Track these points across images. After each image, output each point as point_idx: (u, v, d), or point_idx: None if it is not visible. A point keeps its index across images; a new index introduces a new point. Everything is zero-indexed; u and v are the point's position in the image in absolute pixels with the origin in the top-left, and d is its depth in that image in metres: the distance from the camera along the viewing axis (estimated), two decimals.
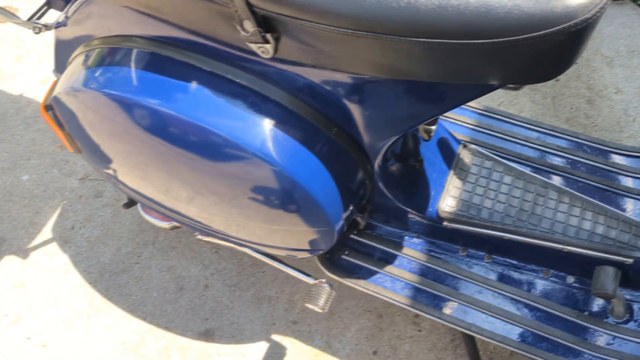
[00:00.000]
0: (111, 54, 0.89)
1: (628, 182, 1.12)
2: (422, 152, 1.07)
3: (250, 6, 0.67)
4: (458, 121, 1.23)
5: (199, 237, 1.23)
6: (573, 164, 1.16)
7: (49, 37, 1.93)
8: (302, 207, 0.87)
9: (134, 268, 1.46)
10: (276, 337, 1.37)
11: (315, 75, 0.79)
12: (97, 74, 0.88)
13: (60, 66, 1.13)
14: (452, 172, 1.11)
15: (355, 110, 0.82)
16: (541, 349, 1.01)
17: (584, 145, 1.19)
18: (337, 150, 0.86)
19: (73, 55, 1.00)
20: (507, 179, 1.10)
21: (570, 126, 1.68)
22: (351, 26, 0.64)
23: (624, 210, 1.08)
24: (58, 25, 1.03)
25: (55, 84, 1.06)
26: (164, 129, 0.85)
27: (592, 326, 1.02)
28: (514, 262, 1.10)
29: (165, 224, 1.24)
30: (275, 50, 0.73)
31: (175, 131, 0.84)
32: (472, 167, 1.12)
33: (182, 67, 0.83)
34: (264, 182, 0.84)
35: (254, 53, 0.77)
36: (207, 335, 1.37)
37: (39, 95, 1.78)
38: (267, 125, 0.80)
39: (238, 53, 0.80)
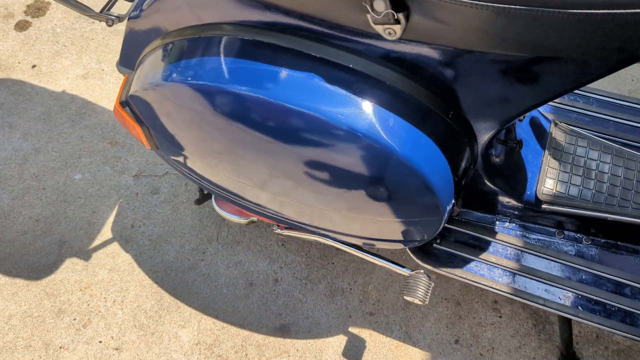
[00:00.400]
0: (204, 44, 0.83)
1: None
2: (518, 134, 1.02)
3: None
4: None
5: (278, 231, 1.19)
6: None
7: (87, 30, 1.88)
8: (416, 195, 0.82)
9: (200, 265, 1.42)
10: (354, 330, 1.33)
11: (438, 57, 0.73)
12: (190, 66, 0.83)
13: (126, 60, 1.08)
14: (546, 152, 1.06)
15: (475, 92, 0.77)
16: None
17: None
18: (452, 134, 0.82)
19: (149, 49, 0.95)
20: (606, 157, 1.05)
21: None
22: (505, 1, 0.59)
23: None
24: (131, 17, 0.98)
25: (127, 79, 1.01)
26: (267, 120, 0.80)
27: None
28: (616, 242, 1.05)
29: (242, 219, 1.20)
30: (404, 31, 0.68)
31: (281, 122, 0.79)
32: (566, 147, 1.07)
33: (287, 54, 0.78)
34: (377, 170, 0.79)
35: (373, 36, 0.71)
36: (283, 330, 1.34)
37: (82, 91, 1.73)
38: (382, 110, 0.75)
39: (352, 37, 0.75)
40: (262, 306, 1.37)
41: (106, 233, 1.48)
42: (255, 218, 1.20)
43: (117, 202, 1.52)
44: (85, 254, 1.45)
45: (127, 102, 0.99)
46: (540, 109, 1.14)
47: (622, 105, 1.17)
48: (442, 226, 0.90)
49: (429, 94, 0.77)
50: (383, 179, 0.81)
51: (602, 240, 1.06)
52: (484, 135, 0.86)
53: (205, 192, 1.29)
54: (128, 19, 0.99)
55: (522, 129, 1.05)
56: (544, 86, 0.75)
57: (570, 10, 0.58)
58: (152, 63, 0.90)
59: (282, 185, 0.93)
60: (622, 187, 1.02)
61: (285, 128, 0.79)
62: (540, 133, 1.07)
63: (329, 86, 0.76)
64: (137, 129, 1.02)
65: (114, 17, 0.99)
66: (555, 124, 1.09)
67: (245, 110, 0.81)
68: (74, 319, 1.36)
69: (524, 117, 1.03)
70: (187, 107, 0.87)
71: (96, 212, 1.51)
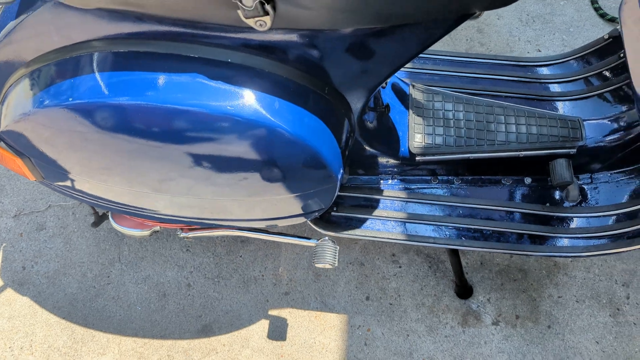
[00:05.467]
0: (75, 64, 0.83)
1: (555, 87, 1.29)
2: (384, 100, 1.15)
3: None
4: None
5: (183, 234, 1.21)
6: (505, 83, 1.30)
7: None
8: (310, 169, 0.90)
9: (107, 289, 1.39)
10: (273, 312, 1.39)
11: (307, 40, 0.81)
12: (65, 88, 0.83)
13: None
14: (410, 111, 1.20)
15: (344, 67, 0.87)
16: (522, 244, 1.16)
17: (508, 65, 1.34)
18: (331, 108, 0.91)
19: (12, 80, 0.92)
20: (458, 106, 1.21)
21: (475, 53, 1.85)
22: None
23: (557, 110, 1.25)
24: None
25: None
26: (156, 126, 0.83)
27: (556, 213, 1.18)
28: (480, 177, 1.22)
29: (144, 232, 1.20)
30: (273, 20, 0.75)
31: (170, 125, 0.82)
32: (426, 104, 1.21)
33: (165, 60, 0.81)
34: (272, 152, 0.86)
35: (245, 30, 0.77)
36: (206, 330, 1.36)
37: None
38: (266, 96, 0.82)
39: (226, 34, 0.80)
40: (180, 313, 1.38)
41: None
42: (158, 227, 1.21)
43: (0, 248, 1.43)
44: None
45: (1, 138, 0.95)
46: (398, 75, 1.28)
47: (463, 62, 1.35)
48: (336, 194, 0.99)
49: (305, 75, 0.85)
50: (278, 159, 0.88)
51: (470, 178, 1.23)
52: (357, 104, 0.96)
53: (101, 213, 1.27)
54: None
55: (387, 95, 1.18)
56: (398, 52, 0.87)
57: None
58: (20, 93, 0.88)
59: (180, 185, 0.96)
60: (475, 129, 1.19)
61: (175, 130, 0.83)
62: (402, 96, 1.21)
63: (212, 83, 0.81)
64: (17, 161, 0.98)
65: None
66: (413, 86, 1.23)
67: (131, 120, 0.83)
68: None
69: (386, 84, 1.16)
70: (68, 130, 0.86)
71: None
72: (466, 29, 1.92)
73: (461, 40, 1.90)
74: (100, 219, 1.26)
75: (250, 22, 0.75)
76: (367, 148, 1.13)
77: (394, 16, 0.76)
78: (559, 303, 1.42)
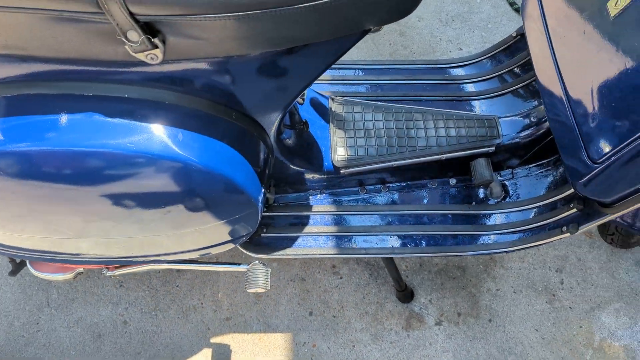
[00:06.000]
0: None
1: (471, 87, 1.32)
2: (303, 116, 1.14)
3: (132, 15, 0.65)
4: (318, 81, 1.31)
5: (109, 273, 1.16)
6: (422, 87, 1.32)
7: None
8: (227, 196, 0.88)
9: (37, 337, 1.32)
10: (216, 340, 1.36)
11: (206, 67, 0.79)
12: None
13: None
14: (331, 125, 1.20)
15: (249, 91, 0.85)
16: (451, 245, 1.17)
17: (425, 69, 1.36)
18: (242, 133, 0.89)
19: None
20: (377, 115, 1.22)
21: (394, 59, 1.88)
22: (242, 9, 0.67)
23: (474, 111, 1.27)
24: None
25: None
26: (60, 170, 0.79)
27: (482, 211, 1.21)
28: (407, 183, 1.23)
29: (67, 275, 1.14)
30: (164, 53, 0.72)
31: (75, 168, 0.78)
32: (346, 116, 1.21)
33: (61, 100, 0.77)
34: (184, 184, 0.83)
35: (138, 63, 0.75)
36: None
37: None
38: (169, 128, 0.79)
39: (119, 69, 0.77)
40: (118, 352, 1.32)
41: None
42: (81, 269, 1.16)
43: None
44: None
45: None
46: (318, 88, 1.27)
47: (382, 69, 1.36)
48: (260, 216, 0.97)
49: (209, 102, 0.83)
50: (192, 191, 0.86)
51: (396, 185, 1.23)
52: (270, 125, 0.95)
53: (18, 260, 1.20)
54: None
55: (306, 111, 1.17)
56: (304, 70, 0.86)
57: (301, 5, 0.69)
58: None
59: (102, 227, 0.92)
60: (396, 137, 1.19)
61: (79, 172, 0.79)
62: (322, 110, 1.21)
63: (110, 120, 0.77)
64: None
65: None
66: (332, 99, 1.23)
67: (32, 165, 0.78)
68: None
69: (303, 99, 1.15)
70: None
71: None
72: (388, 32, 1.94)
73: (384, 44, 1.92)
74: (18, 266, 1.20)
75: (141, 56, 0.72)
76: (291, 166, 1.11)
77: (289, 40, 0.75)
78: (498, 296, 1.45)
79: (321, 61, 0.86)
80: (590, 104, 0.92)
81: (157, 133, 0.78)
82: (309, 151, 1.15)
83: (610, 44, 0.90)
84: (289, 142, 1.09)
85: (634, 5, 0.86)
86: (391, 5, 0.75)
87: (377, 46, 1.91)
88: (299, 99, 1.13)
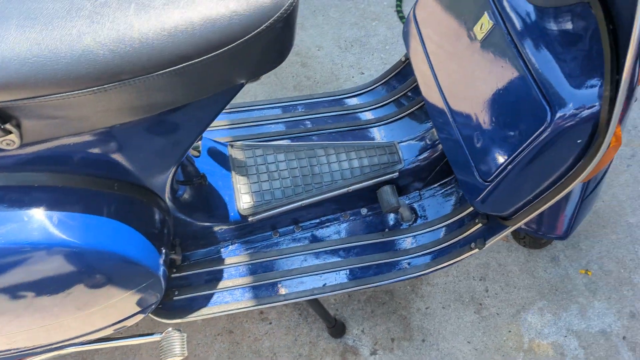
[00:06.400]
0: None
1: (368, 115, 1.33)
2: (200, 168, 1.11)
3: None
4: (214, 127, 1.28)
5: None
6: (323, 120, 1.32)
7: None
8: (121, 270, 0.83)
9: None
10: None
11: (73, 143, 0.75)
12: None
13: None
14: (233, 172, 1.17)
15: (127, 158, 0.81)
16: (370, 276, 1.17)
17: (323, 102, 1.36)
18: (127, 202, 0.84)
19: None
20: (280, 156, 1.20)
21: (298, 91, 1.88)
22: (95, 84, 0.63)
23: (374, 138, 1.28)
24: None
25: None
26: None
27: (395, 237, 1.21)
28: (318, 220, 1.22)
29: None
30: (21, 137, 0.68)
31: None
32: (247, 161, 1.19)
33: None
34: (75, 267, 0.78)
35: None
36: None
37: None
38: (44, 212, 0.74)
39: None
40: None
41: None
42: None
43: None
44: None
45: None
46: (216, 135, 1.25)
47: (280, 107, 1.35)
48: (164, 282, 0.93)
49: (85, 178, 0.79)
50: (84, 271, 0.80)
51: (309, 223, 1.22)
52: (161, 186, 0.91)
53: None
54: None
55: (204, 162, 1.14)
56: (188, 127, 0.83)
57: (159, 72, 0.66)
58: None
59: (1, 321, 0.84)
60: (301, 176, 1.18)
61: None
62: (222, 159, 1.18)
63: None
64: None
65: None
66: (232, 145, 1.21)
67: None
68: None
69: (199, 152, 1.12)
70: None
71: None
72: (290, 65, 1.95)
73: (287, 77, 1.92)
74: None
75: None
76: (195, 222, 1.08)
77: (156, 106, 0.72)
78: (428, 314, 1.46)
79: (204, 117, 0.83)
80: (473, 124, 0.95)
81: (30, 219, 0.73)
82: (212, 204, 1.12)
83: (482, 66, 0.93)
84: (188, 198, 1.05)
85: (496, 29, 0.90)
86: (259, 60, 0.74)
87: (281, 80, 1.91)
88: (194, 152, 1.10)
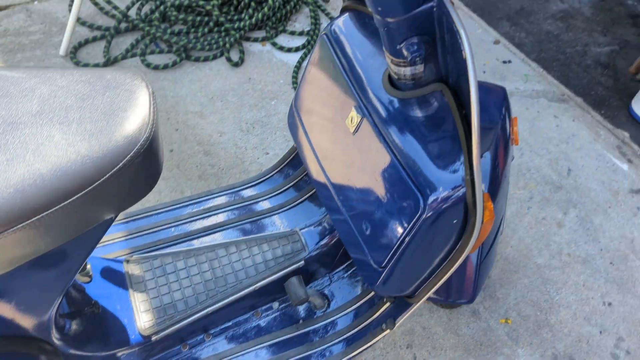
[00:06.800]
0: None
1: (266, 204, 1.33)
2: (93, 294, 1.05)
3: None
4: (110, 241, 1.23)
5: None
6: (222, 216, 1.30)
7: None
8: None
9: None
10: None
11: None
12: None
13: None
14: (131, 290, 1.12)
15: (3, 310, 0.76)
16: None
17: (222, 196, 1.35)
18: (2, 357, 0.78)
19: None
20: (179, 264, 1.17)
21: (203, 181, 1.86)
22: None
23: (276, 228, 1.28)
24: None
25: None
26: None
27: (310, 327, 1.19)
28: (229, 323, 1.18)
29: None
30: None
31: None
32: (146, 275, 1.15)
33: None
34: None
35: None
36: None
37: None
38: None
39: None
40: None
41: None
42: None
43: None
44: None
45: None
46: (111, 249, 1.19)
47: (178, 208, 1.32)
48: None
49: None
50: None
51: (219, 329, 1.18)
52: (43, 328, 0.85)
53: None
54: None
55: (97, 286, 1.09)
56: (63, 265, 0.79)
57: (15, 227, 0.63)
58: None
59: None
60: (204, 282, 1.15)
61: None
62: (116, 278, 1.13)
63: None
64: None
65: None
66: (128, 261, 1.16)
67: None
68: None
69: (90, 277, 1.06)
70: None
71: None
72: (193, 155, 1.93)
73: (191, 168, 1.90)
74: None
75: None
76: (92, 354, 1.01)
77: (21, 258, 0.68)
78: None
79: (78, 252, 0.80)
80: (360, 212, 0.97)
81: None
82: (109, 330, 1.05)
83: (358, 156, 0.95)
84: (80, 330, 0.99)
85: (364, 121, 0.93)
86: (123, 195, 0.72)
87: (184, 172, 1.88)
88: (84, 278, 1.04)
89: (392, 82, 0.91)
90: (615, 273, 1.70)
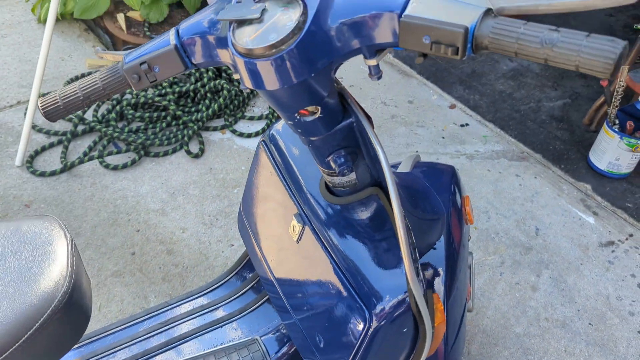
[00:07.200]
0: None
1: (224, 311, 1.28)
2: None
3: None
4: None
5: None
6: (179, 328, 1.25)
7: None
8: None
9: None
10: None
11: None
12: None
13: None
14: None
15: None
16: None
17: (178, 306, 1.30)
18: None
19: None
20: None
21: (167, 282, 1.80)
22: None
23: (236, 335, 1.22)
24: None
25: None
26: None
27: None
28: None
29: None
30: None
31: None
32: None
33: None
34: None
35: None
36: None
37: None
38: None
39: None
40: None
41: None
42: None
43: None
44: None
45: None
46: None
47: (133, 324, 1.27)
48: None
49: None
50: None
51: None
52: None
53: None
54: None
55: None
56: None
57: None
58: None
59: None
60: None
61: None
62: None
63: None
64: None
65: None
66: None
67: None
68: None
69: None
70: None
71: None
72: (156, 256, 1.89)
73: (154, 270, 1.85)
74: None
75: None
76: None
77: None
78: None
79: None
80: (312, 323, 0.93)
81: None
82: None
83: (303, 265, 0.93)
84: None
85: (306, 230, 0.91)
86: (50, 348, 0.68)
87: (147, 275, 1.83)
88: None
89: (329, 189, 0.90)
90: (595, 334, 1.66)
